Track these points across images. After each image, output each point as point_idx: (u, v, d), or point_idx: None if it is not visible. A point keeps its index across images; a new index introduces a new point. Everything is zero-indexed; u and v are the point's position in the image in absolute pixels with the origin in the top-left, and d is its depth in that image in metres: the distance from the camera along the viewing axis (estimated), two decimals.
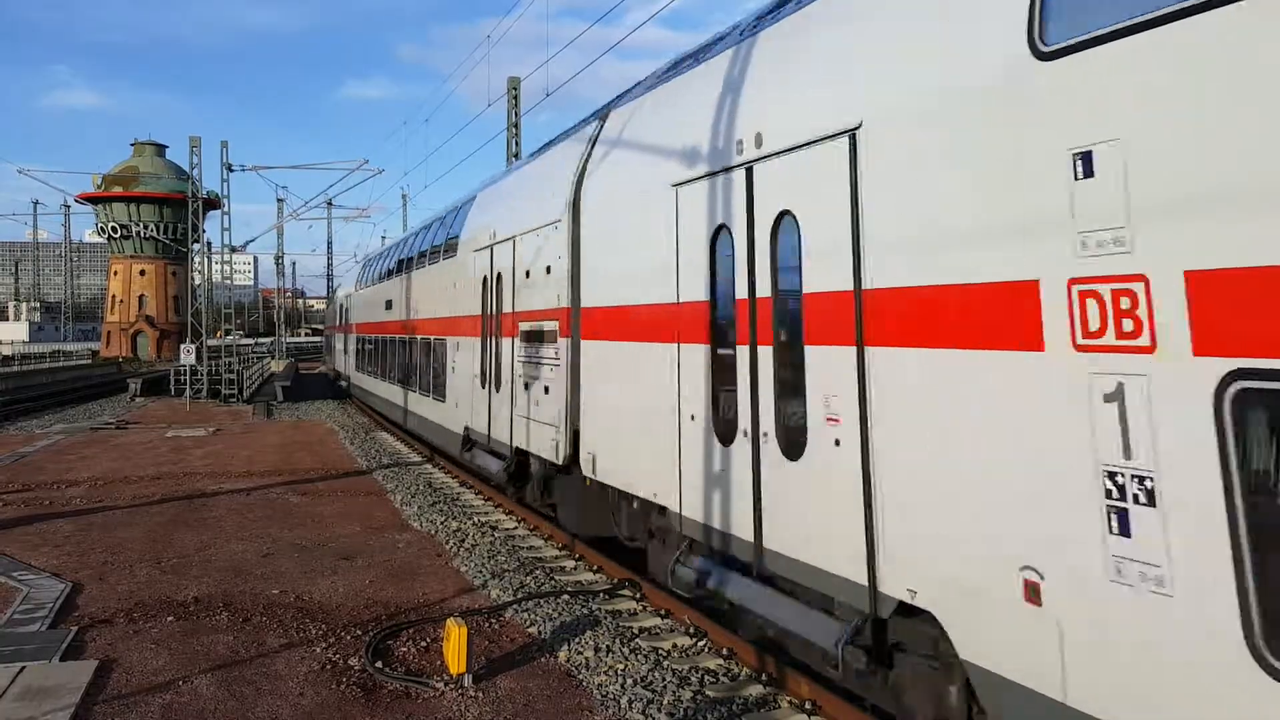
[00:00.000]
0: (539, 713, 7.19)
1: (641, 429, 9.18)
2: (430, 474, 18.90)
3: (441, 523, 13.91)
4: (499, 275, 13.93)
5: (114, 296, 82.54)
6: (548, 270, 11.65)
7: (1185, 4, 3.96)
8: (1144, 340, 4.09)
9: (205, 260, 45.99)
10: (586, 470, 10.57)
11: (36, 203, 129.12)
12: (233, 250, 44.41)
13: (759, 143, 6.96)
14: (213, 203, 56.52)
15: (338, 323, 42.34)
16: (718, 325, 7.74)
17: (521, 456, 13.18)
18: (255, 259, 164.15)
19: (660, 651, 8.55)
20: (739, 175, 7.28)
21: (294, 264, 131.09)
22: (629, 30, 18.78)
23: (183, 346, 37.30)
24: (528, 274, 12.49)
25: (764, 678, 7.82)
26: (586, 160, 11.03)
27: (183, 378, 37.95)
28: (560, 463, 11.23)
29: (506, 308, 13.48)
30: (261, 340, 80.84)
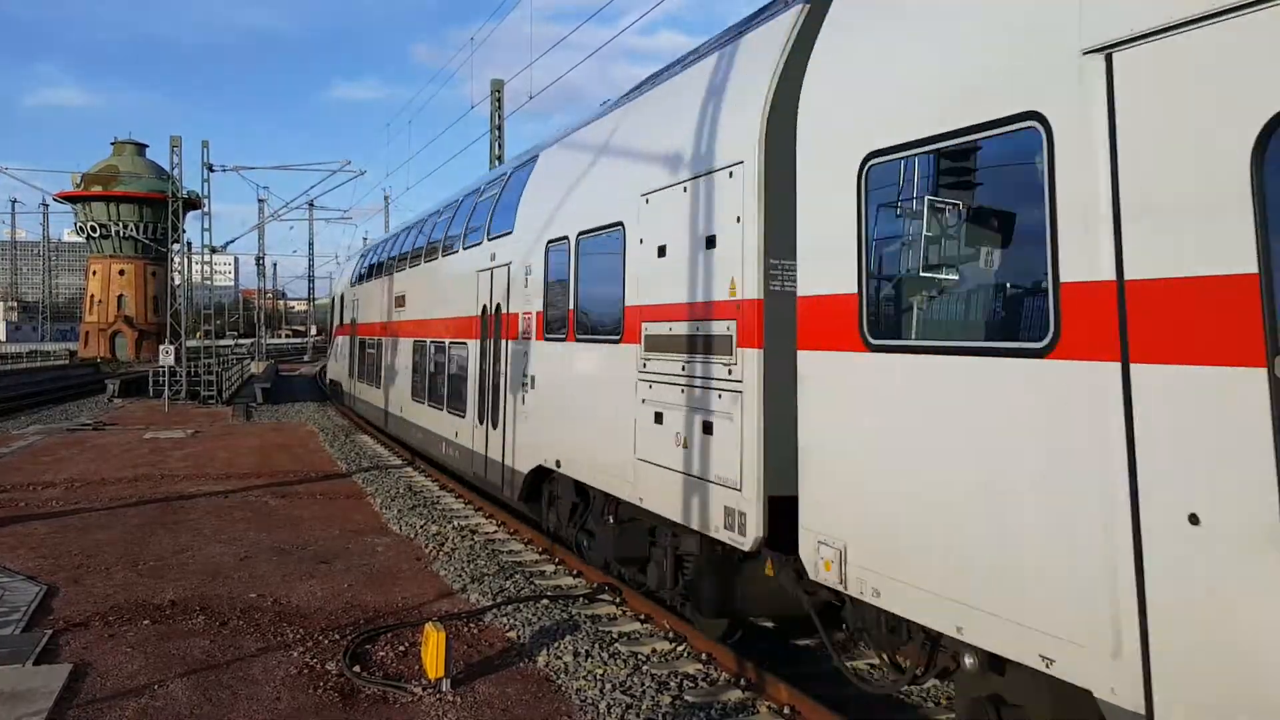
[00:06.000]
0: (517, 718, 7.17)
1: None
2: (410, 477, 18.83)
3: (421, 526, 13.87)
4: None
5: (92, 296, 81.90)
6: None
7: None
8: None
9: (185, 261, 45.71)
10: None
11: (15, 201, 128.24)
12: (213, 251, 44.12)
13: None
14: (193, 203, 56.17)
15: (350, 319, 30.06)
16: None
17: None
18: (236, 260, 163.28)
19: (640, 656, 8.56)
20: None
21: (275, 265, 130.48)
22: (617, 32, 18.73)
23: (161, 347, 37.06)
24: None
25: (743, 682, 7.84)
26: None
27: (161, 379, 37.67)
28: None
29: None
30: (242, 341, 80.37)
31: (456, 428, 15.65)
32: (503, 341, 13.19)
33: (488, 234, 14.35)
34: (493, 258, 13.89)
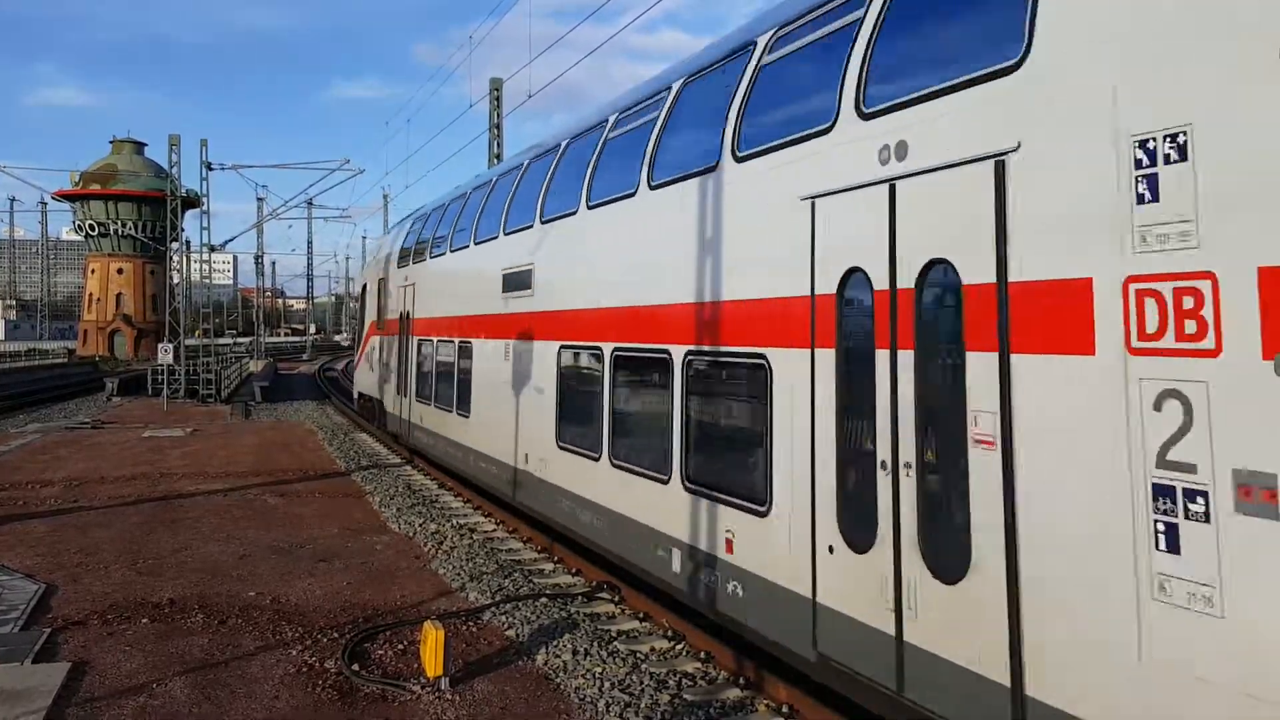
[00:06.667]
0: (516, 716, 7.18)
1: None
2: (409, 475, 18.83)
3: (420, 525, 13.87)
4: None
5: (91, 295, 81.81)
6: None
7: None
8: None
9: (184, 259, 45.69)
10: None
11: (13, 199, 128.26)
12: (212, 249, 44.11)
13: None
14: (192, 201, 56.15)
15: (399, 313, 21.60)
16: None
17: None
18: (235, 258, 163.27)
19: (638, 654, 8.56)
20: None
21: (274, 263, 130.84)
22: (617, 30, 18.75)
23: (160, 346, 37.03)
24: None
25: (741, 681, 7.84)
26: None
27: (160, 377, 37.65)
28: None
29: None
30: (240, 340, 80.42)
31: (732, 529, 7.77)
32: (984, 358, 5.47)
33: (859, 105, 6.57)
34: (892, 155, 6.21)
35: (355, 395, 29.41)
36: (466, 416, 15.49)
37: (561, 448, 11.43)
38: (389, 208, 76.09)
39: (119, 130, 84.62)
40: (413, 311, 20.06)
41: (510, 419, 13.28)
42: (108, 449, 22.52)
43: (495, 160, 32.16)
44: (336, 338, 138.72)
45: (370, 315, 25.75)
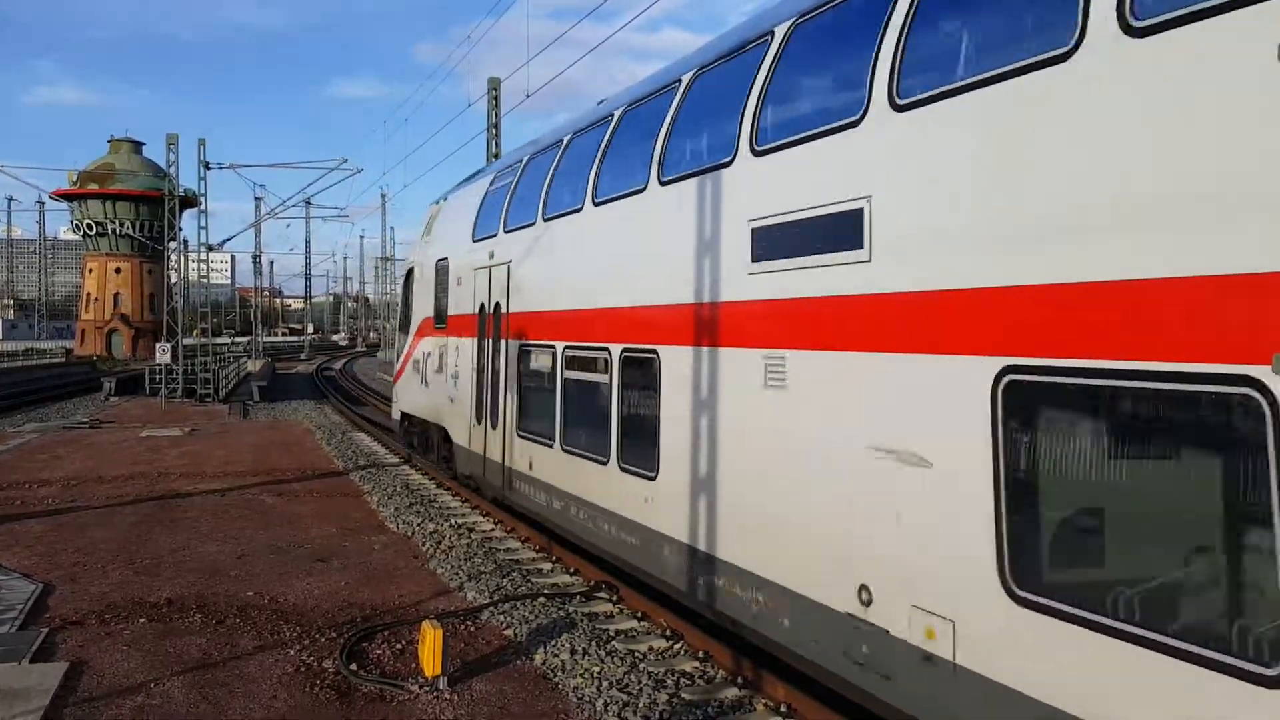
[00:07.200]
0: (514, 716, 7.18)
1: None
2: (407, 475, 18.82)
3: (418, 524, 13.86)
4: None
5: (89, 294, 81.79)
6: None
7: None
8: None
9: (181, 259, 45.65)
10: None
11: (11, 199, 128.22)
12: (209, 249, 44.08)
13: None
14: (190, 201, 56.11)
15: (483, 305, 14.73)
16: None
17: None
18: (233, 257, 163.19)
19: (636, 654, 8.56)
20: None
21: (271, 263, 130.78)
22: (615, 29, 18.72)
23: (158, 345, 37.02)
24: None
25: (739, 680, 7.84)
26: None
27: (158, 377, 37.62)
28: None
29: None
30: (238, 339, 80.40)
31: None
32: None
33: None
34: None
35: (397, 417, 21.45)
36: (650, 478, 9.22)
37: (1022, 600, 4.99)
38: (387, 207, 76.06)
39: (117, 129, 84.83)
40: (506, 303, 13.88)
41: (781, 501, 7.18)
42: (105, 448, 22.49)
43: (494, 158, 32.07)
44: (334, 337, 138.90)
45: (423, 309, 18.66)
